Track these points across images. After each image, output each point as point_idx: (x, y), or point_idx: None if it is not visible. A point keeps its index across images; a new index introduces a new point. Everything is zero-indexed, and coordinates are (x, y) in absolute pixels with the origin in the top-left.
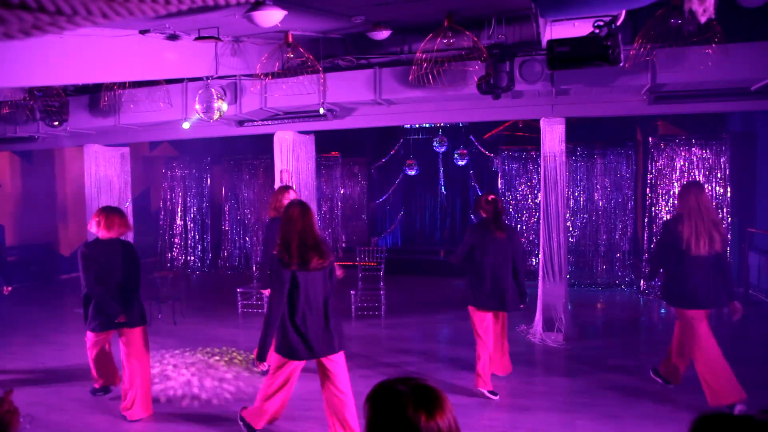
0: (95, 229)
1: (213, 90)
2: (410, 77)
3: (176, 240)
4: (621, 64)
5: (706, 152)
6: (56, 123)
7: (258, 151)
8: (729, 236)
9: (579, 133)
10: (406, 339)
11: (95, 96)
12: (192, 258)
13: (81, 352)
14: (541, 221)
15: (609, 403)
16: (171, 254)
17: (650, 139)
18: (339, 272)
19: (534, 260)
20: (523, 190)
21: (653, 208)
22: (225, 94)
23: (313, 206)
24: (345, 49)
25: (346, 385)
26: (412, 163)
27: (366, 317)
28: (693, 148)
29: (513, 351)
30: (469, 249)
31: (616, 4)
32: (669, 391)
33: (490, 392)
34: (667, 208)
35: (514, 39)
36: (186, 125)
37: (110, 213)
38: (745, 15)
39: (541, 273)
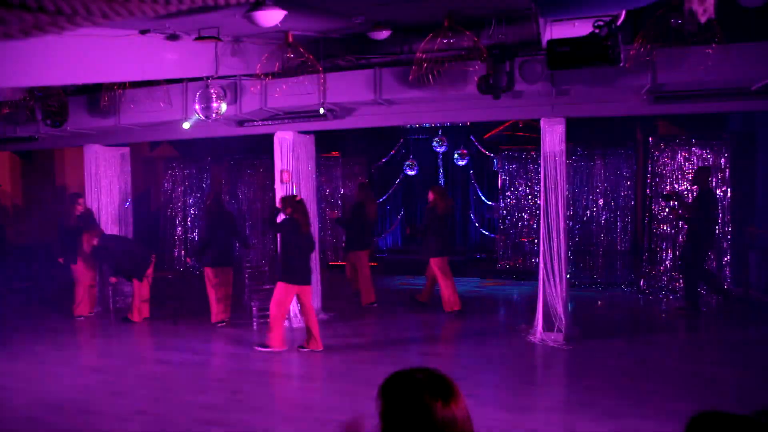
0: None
1: (212, 90)
2: (410, 77)
3: (176, 240)
4: (621, 64)
5: (706, 152)
6: (58, 122)
7: (258, 151)
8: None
9: (579, 133)
10: (405, 338)
11: (95, 96)
12: (192, 258)
13: (81, 352)
14: (541, 221)
15: (609, 403)
16: (171, 254)
17: (650, 139)
18: None
19: (534, 260)
20: (523, 190)
21: (653, 208)
22: (225, 94)
23: (313, 206)
24: (345, 49)
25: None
26: (412, 163)
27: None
28: (693, 148)
29: (514, 352)
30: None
31: (616, 4)
32: (670, 391)
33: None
34: (667, 208)
35: (514, 39)
36: (186, 125)
37: None
38: (745, 15)
39: (541, 273)
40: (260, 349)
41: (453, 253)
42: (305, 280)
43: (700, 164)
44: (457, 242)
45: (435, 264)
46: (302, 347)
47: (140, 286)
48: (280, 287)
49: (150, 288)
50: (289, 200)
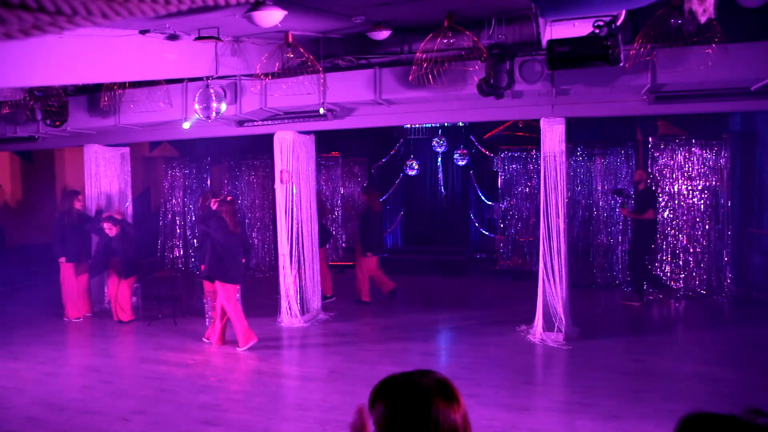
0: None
1: (212, 90)
2: (410, 77)
3: (176, 240)
4: (621, 64)
5: (706, 152)
6: (57, 123)
7: (258, 151)
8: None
9: (579, 133)
10: (404, 338)
11: (95, 96)
12: (192, 258)
13: (80, 352)
14: (541, 221)
15: (609, 403)
16: (171, 254)
17: (650, 139)
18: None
19: (534, 260)
20: (522, 190)
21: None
22: (225, 94)
23: (313, 206)
24: (345, 49)
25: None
26: (412, 163)
27: (365, 316)
28: (693, 148)
29: (514, 352)
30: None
31: (616, 4)
32: (670, 391)
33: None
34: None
35: (514, 39)
36: (186, 125)
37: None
38: (745, 15)
39: (541, 273)
40: (240, 348)
41: (384, 251)
42: (237, 279)
43: (699, 164)
44: (457, 242)
45: (369, 260)
46: (207, 340)
47: (118, 286)
48: (221, 287)
49: (131, 289)
50: (220, 200)
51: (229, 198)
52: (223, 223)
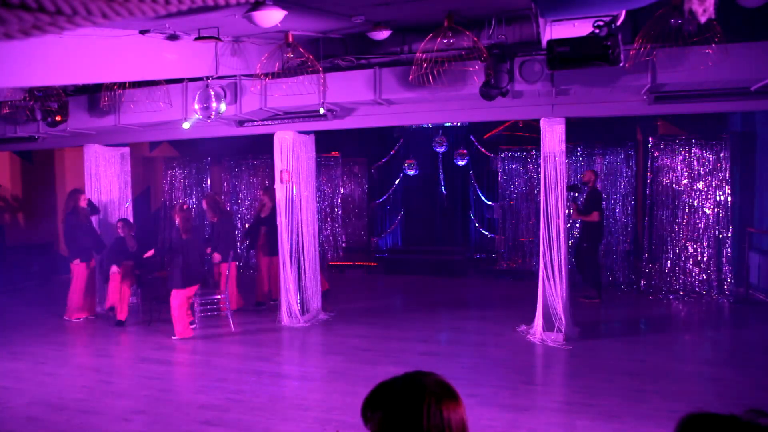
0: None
1: (211, 90)
2: (410, 77)
3: None
4: (621, 64)
5: (706, 152)
6: (58, 118)
7: (258, 151)
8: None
9: (579, 133)
10: (404, 337)
11: (95, 96)
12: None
13: (80, 352)
14: (541, 221)
15: (609, 403)
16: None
17: (650, 139)
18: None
19: (534, 260)
20: (522, 190)
21: (653, 208)
22: (225, 94)
23: (313, 206)
24: (345, 49)
25: None
26: (412, 163)
27: (366, 315)
28: (693, 148)
29: (513, 352)
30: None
31: (616, 4)
32: (670, 391)
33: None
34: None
35: (514, 39)
36: (186, 125)
37: None
38: (745, 15)
39: (541, 273)
40: (174, 337)
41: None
42: (195, 281)
43: (699, 164)
44: (457, 242)
45: (276, 261)
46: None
47: (120, 286)
48: (175, 294)
49: (130, 289)
50: (176, 209)
51: (185, 206)
52: (178, 230)
